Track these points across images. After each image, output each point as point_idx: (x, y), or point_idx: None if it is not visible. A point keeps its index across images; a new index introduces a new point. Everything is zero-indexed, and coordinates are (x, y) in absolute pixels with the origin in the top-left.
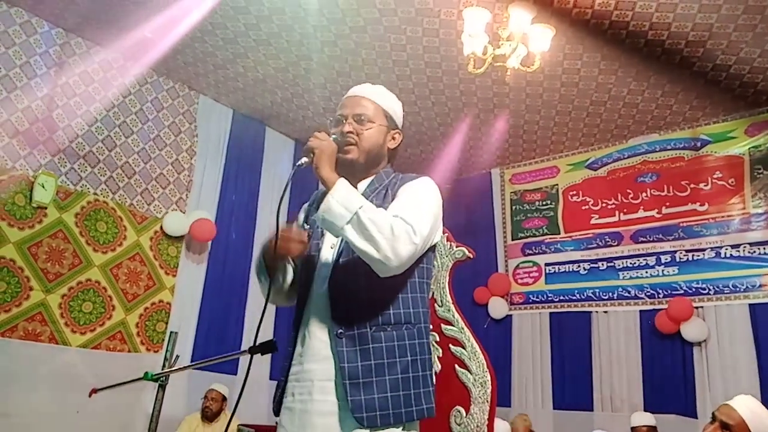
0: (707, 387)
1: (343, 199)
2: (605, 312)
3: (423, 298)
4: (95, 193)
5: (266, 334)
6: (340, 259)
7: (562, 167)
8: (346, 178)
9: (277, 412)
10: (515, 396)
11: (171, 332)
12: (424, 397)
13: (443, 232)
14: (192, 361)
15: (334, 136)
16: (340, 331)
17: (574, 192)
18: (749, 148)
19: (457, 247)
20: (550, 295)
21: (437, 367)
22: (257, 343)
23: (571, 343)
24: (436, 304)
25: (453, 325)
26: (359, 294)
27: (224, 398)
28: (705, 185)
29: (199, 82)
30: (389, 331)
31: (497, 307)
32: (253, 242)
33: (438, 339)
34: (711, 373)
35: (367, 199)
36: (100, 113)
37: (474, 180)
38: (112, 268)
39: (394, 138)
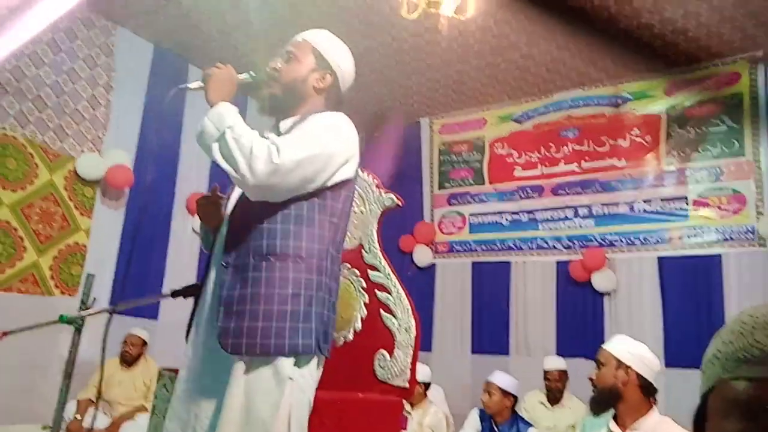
0: (614, 334)
1: (216, 118)
2: (524, 261)
3: (322, 235)
4: (3, 128)
5: (190, 277)
6: (240, 198)
7: (489, 119)
8: (272, 115)
9: None
10: (436, 341)
11: (88, 275)
12: (302, 333)
13: (373, 179)
14: (110, 305)
15: (252, 72)
16: (228, 261)
17: (500, 144)
18: (667, 108)
19: (385, 194)
20: (473, 244)
21: (363, 312)
22: (182, 287)
23: (491, 291)
24: (363, 250)
25: (379, 271)
26: (249, 226)
27: (144, 343)
28: (623, 141)
29: (117, 13)
30: (272, 262)
31: (422, 255)
32: (176, 185)
33: (365, 285)
34: (619, 321)
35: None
36: (8, 42)
37: (405, 128)
38: (23, 207)
39: (323, 78)
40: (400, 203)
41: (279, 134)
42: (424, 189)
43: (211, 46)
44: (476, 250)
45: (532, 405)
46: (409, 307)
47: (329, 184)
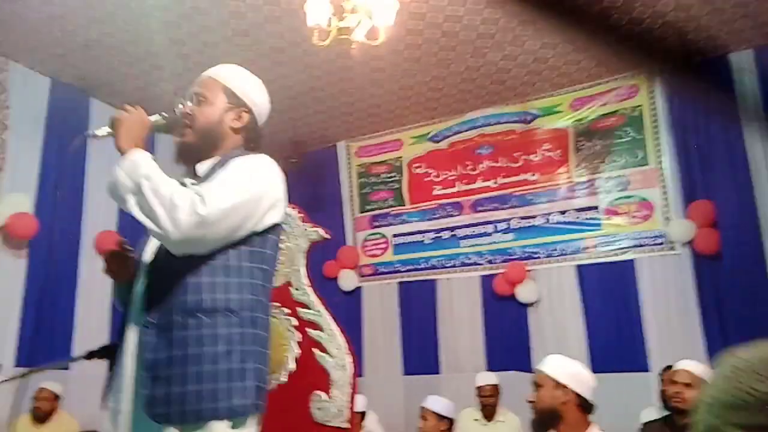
0: (541, 344)
1: (130, 167)
2: (448, 279)
3: (254, 284)
4: None
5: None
6: (160, 248)
7: (405, 140)
8: (188, 164)
9: None
10: (367, 365)
11: None
12: (237, 393)
13: (298, 213)
14: (17, 364)
15: (161, 115)
16: (149, 320)
17: (418, 164)
18: (573, 122)
19: (311, 228)
20: (397, 265)
21: (297, 352)
22: (98, 348)
23: (418, 311)
24: (291, 288)
25: (310, 308)
26: (172, 280)
27: (57, 397)
28: (535, 156)
29: (9, 47)
30: (200, 318)
31: (347, 280)
32: (81, 225)
33: (295, 323)
34: (544, 331)
35: (203, 182)
36: None
37: (320, 153)
38: None
39: (239, 117)
40: (327, 236)
41: (197, 179)
42: (345, 212)
43: (113, 78)
44: (401, 270)
45: (467, 423)
46: (344, 344)
47: (257, 229)
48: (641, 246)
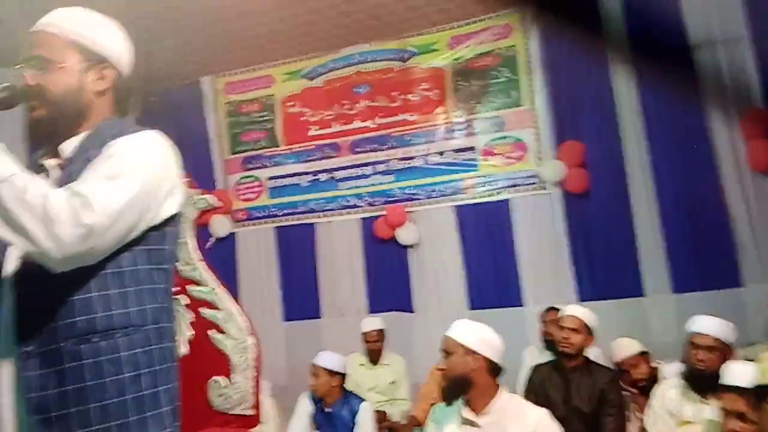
0: (422, 284)
1: None
2: (328, 222)
3: (155, 289)
4: None
5: None
6: (28, 256)
7: (278, 77)
8: (49, 142)
9: None
10: (245, 313)
11: None
12: (152, 424)
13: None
14: None
15: (3, 85)
16: (28, 349)
17: (292, 103)
18: (451, 61)
19: (200, 195)
20: (273, 209)
21: (188, 333)
22: None
23: (297, 256)
24: (179, 264)
25: (201, 285)
26: (52, 297)
27: None
28: (414, 96)
29: None
30: (94, 343)
31: (220, 226)
32: None
33: (188, 302)
34: (424, 272)
35: (71, 165)
36: None
37: (183, 91)
38: None
39: (102, 76)
40: (217, 204)
41: (62, 163)
42: (213, 154)
43: None
44: (277, 215)
45: (353, 368)
46: (244, 324)
47: (154, 224)
48: (516, 186)
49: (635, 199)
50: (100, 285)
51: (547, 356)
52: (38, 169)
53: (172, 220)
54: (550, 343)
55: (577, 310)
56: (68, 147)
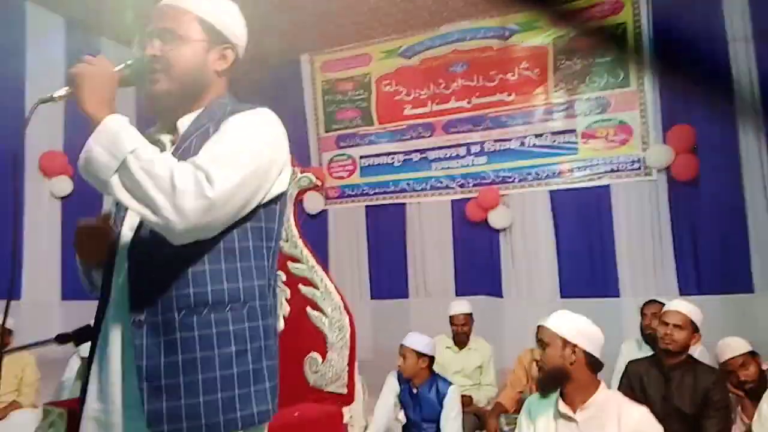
0: (512, 270)
1: (109, 141)
2: (419, 203)
3: (259, 268)
4: None
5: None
6: (143, 225)
7: (374, 55)
8: (165, 117)
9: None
10: None
11: None
12: (255, 398)
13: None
14: None
15: (127, 62)
16: (140, 318)
17: (387, 81)
18: (553, 39)
19: (302, 173)
20: (365, 188)
21: (286, 310)
22: (72, 331)
23: (387, 235)
24: (281, 241)
25: (301, 263)
26: (166, 270)
27: (10, 331)
28: (512, 75)
29: None
30: (205, 315)
31: (313, 202)
32: (24, 149)
33: (285, 279)
34: (515, 256)
35: (187, 140)
36: None
37: (282, 68)
38: None
39: (224, 56)
40: (318, 183)
41: (175, 136)
42: (309, 131)
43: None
44: (369, 193)
45: (440, 350)
46: (341, 303)
47: (264, 201)
48: (617, 171)
49: (749, 188)
50: (212, 259)
51: (646, 351)
52: (153, 143)
53: (280, 197)
54: (650, 338)
55: (683, 306)
56: (184, 123)
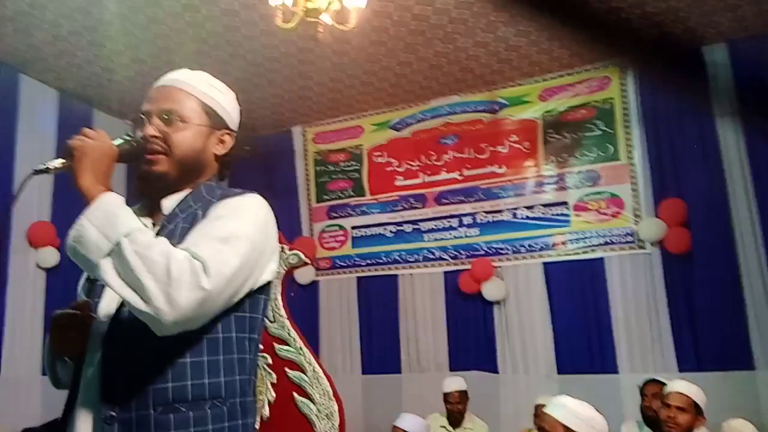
0: (507, 343)
1: (104, 221)
2: (411, 274)
3: (242, 361)
4: None
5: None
6: (122, 310)
7: (366, 127)
8: (152, 196)
9: None
10: (324, 364)
11: None
12: None
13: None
14: None
15: (125, 137)
16: (110, 414)
17: (379, 153)
18: (542, 113)
19: (290, 250)
20: (356, 259)
21: (271, 395)
22: (39, 425)
23: (379, 307)
24: (267, 321)
25: (289, 345)
26: (141, 360)
27: None
28: (503, 148)
29: None
30: (185, 413)
31: (303, 273)
32: (11, 219)
33: (271, 362)
34: (510, 330)
35: (173, 222)
36: None
37: (274, 138)
38: None
39: (222, 141)
40: (307, 261)
41: (155, 216)
42: (300, 202)
43: (43, 53)
44: (360, 264)
45: (434, 430)
46: (330, 389)
47: (252, 288)
48: (611, 244)
49: (743, 261)
50: (195, 351)
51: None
52: None
53: (266, 286)
54: (651, 420)
55: (685, 387)
56: (169, 204)
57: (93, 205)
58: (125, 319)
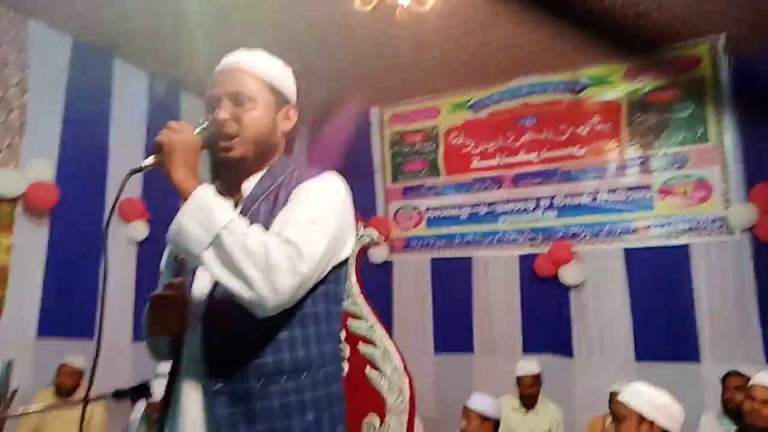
0: (583, 329)
1: (202, 215)
2: (485, 256)
3: (331, 331)
4: None
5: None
6: (216, 290)
7: (443, 108)
8: (229, 179)
9: None
10: (396, 342)
11: (4, 362)
12: None
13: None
14: (39, 329)
15: (203, 125)
16: (218, 387)
17: (456, 134)
18: (627, 93)
19: (365, 228)
20: (430, 240)
21: (345, 368)
22: (129, 387)
23: (452, 288)
24: None
25: (362, 320)
26: (241, 336)
27: (80, 371)
28: (583, 129)
29: (27, 4)
30: (283, 383)
31: (377, 252)
32: (105, 195)
33: (344, 336)
34: (586, 315)
35: (255, 204)
36: None
37: (352, 119)
38: None
39: (288, 117)
40: (380, 241)
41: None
42: (376, 182)
43: (135, 37)
44: (434, 245)
45: (506, 412)
46: (401, 365)
47: (334, 265)
48: (697, 230)
49: None
50: (287, 326)
51: (728, 425)
52: None
53: (345, 262)
54: (733, 412)
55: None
56: (248, 185)
57: (190, 201)
58: (221, 299)
